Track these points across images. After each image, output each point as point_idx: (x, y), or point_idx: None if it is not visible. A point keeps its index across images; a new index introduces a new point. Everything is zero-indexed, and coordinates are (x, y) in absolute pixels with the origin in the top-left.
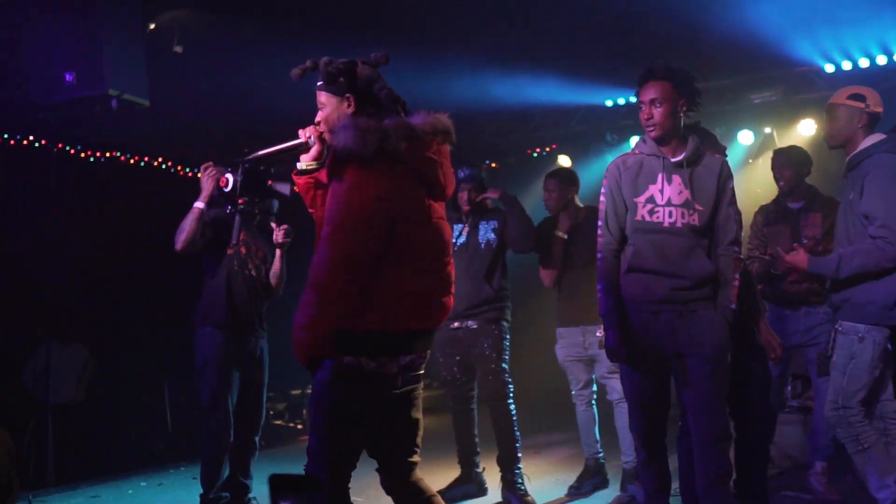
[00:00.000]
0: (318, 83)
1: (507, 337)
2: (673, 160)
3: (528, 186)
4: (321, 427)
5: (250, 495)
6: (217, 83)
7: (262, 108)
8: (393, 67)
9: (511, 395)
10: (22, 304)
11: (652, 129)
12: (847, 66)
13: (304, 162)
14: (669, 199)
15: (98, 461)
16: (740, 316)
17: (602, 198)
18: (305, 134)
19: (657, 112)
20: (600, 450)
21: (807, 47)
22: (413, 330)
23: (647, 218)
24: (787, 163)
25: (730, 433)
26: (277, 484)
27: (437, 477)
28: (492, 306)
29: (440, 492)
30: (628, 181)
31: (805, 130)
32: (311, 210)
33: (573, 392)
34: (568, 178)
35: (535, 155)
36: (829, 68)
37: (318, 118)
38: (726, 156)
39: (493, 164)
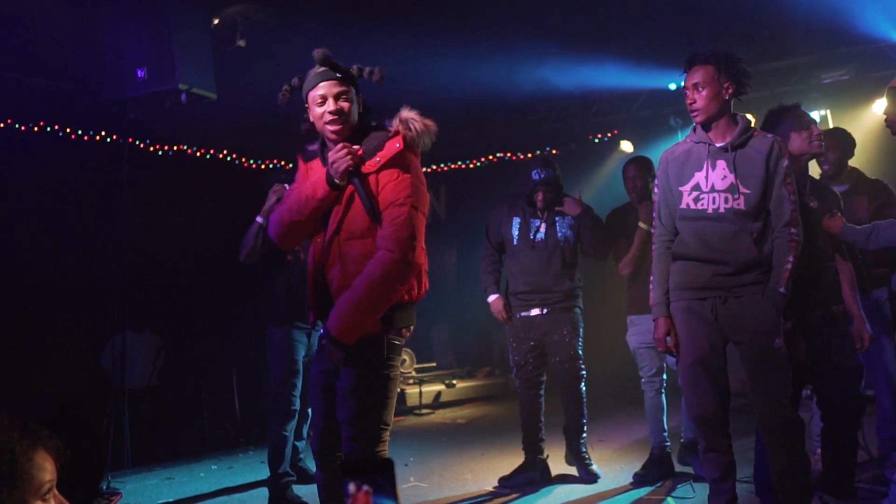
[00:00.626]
0: (339, 79)
1: (582, 325)
2: (718, 145)
3: (590, 172)
4: (380, 398)
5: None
6: (279, 76)
7: None
8: (455, 54)
9: (584, 379)
10: (98, 293)
11: (696, 113)
12: None
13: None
14: (713, 186)
15: (171, 444)
16: (822, 303)
17: (655, 189)
18: (354, 154)
19: (700, 96)
20: (668, 439)
21: (881, 21)
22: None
23: (693, 206)
24: (833, 145)
25: (795, 420)
26: (350, 469)
27: (501, 464)
28: (570, 297)
29: (503, 478)
30: (675, 171)
31: (879, 110)
32: (317, 203)
33: (643, 379)
34: (647, 165)
35: (597, 141)
36: None
37: (342, 108)
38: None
39: (554, 151)
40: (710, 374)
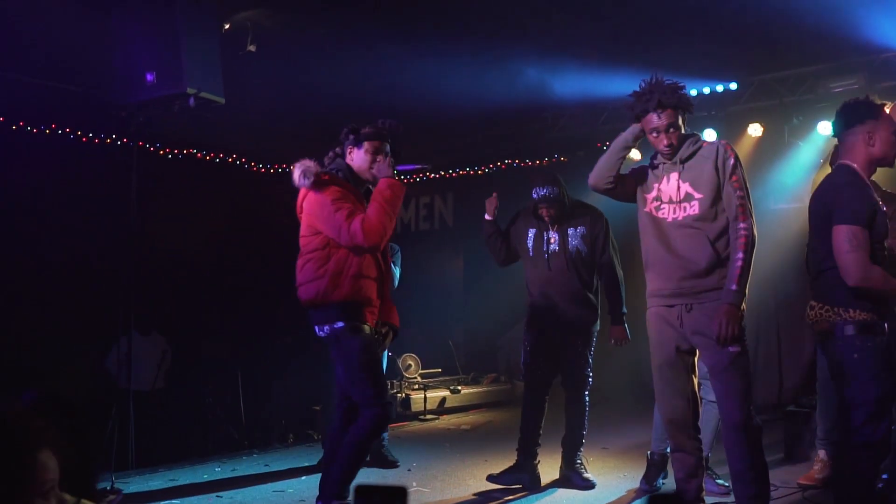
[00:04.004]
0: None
1: (596, 334)
2: (668, 162)
3: None
4: (366, 368)
5: None
6: (289, 82)
7: (332, 107)
8: (462, 62)
9: (588, 388)
10: (105, 295)
11: (669, 151)
12: None
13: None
14: (671, 197)
15: (176, 446)
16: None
17: None
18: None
19: (672, 137)
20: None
21: (890, 30)
22: None
23: (655, 213)
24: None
25: (753, 424)
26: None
27: (490, 469)
28: (587, 309)
29: (492, 475)
30: (643, 180)
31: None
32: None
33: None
34: None
35: (606, 149)
36: None
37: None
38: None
39: (563, 158)
40: (678, 378)
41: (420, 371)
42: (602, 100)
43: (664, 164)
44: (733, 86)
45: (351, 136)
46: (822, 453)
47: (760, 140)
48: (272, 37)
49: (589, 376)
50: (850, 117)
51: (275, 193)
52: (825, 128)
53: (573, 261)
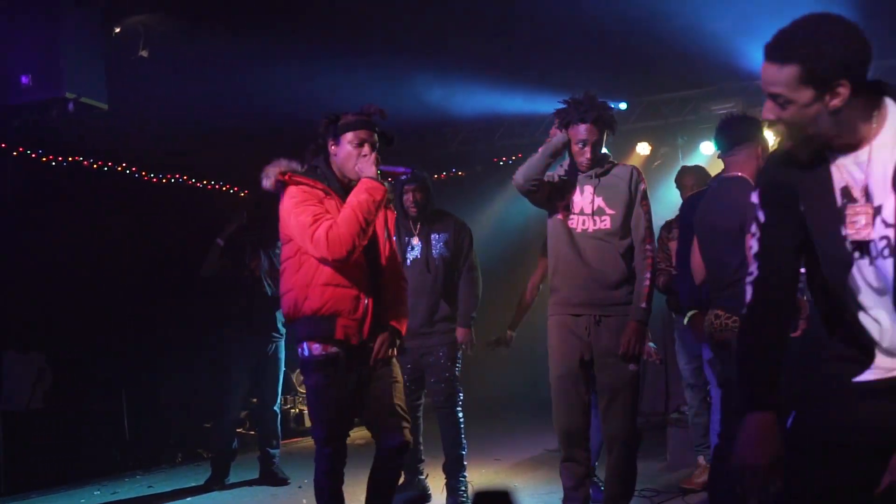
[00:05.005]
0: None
1: (461, 347)
2: (586, 173)
3: (494, 195)
4: (318, 407)
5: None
6: (182, 88)
7: (226, 114)
8: (360, 77)
9: (460, 402)
10: None
11: (588, 164)
12: None
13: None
14: (582, 209)
15: (54, 470)
16: None
17: None
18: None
19: (596, 152)
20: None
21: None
22: None
23: (567, 223)
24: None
25: (637, 435)
26: None
27: None
28: (448, 321)
29: None
30: (557, 188)
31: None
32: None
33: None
34: None
35: (502, 164)
36: None
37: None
38: None
39: (461, 173)
40: (577, 390)
41: None
42: (498, 116)
43: (580, 175)
44: (623, 106)
45: (330, 128)
46: (701, 459)
47: (648, 158)
48: (166, 42)
49: (458, 391)
50: (739, 134)
51: (165, 204)
52: (707, 147)
53: (436, 270)
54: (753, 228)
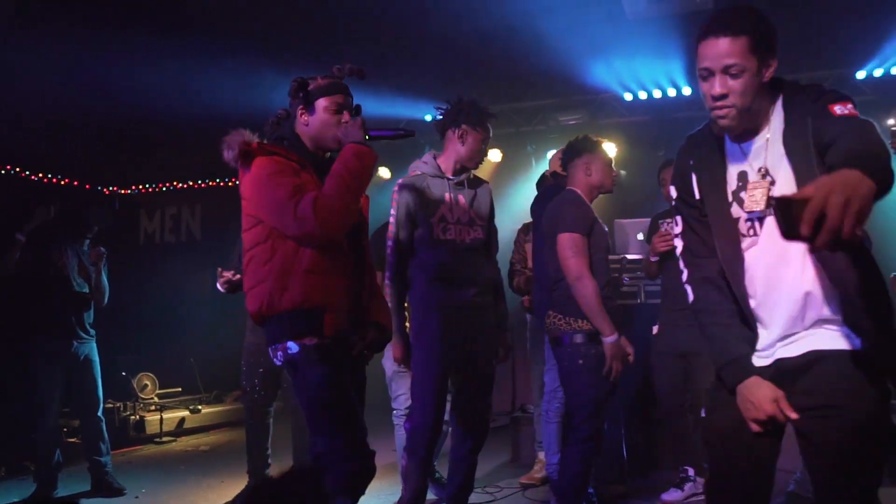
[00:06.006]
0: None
1: None
2: (455, 180)
3: None
4: (330, 409)
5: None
6: (18, 78)
7: (83, 108)
8: (214, 73)
9: None
10: None
11: (477, 165)
12: (643, 95)
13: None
14: (458, 218)
15: None
16: None
17: (391, 220)
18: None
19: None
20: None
21: (607, 76)
22: None
23: (442, 236)
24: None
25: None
26: None
27: (226, 490)
28: None
29: None
30: (418, 200)
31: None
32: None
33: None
34: None
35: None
36: (628, 97)
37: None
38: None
39: None
40: (446, 388)
41: (157, 391)
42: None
43: (448, 182)
44: None
45: (301, 95)
46: (541, 454)
47: (500, 165)
48: (14, 32)
49: None
50: (573, 152)
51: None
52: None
53: None
54: (676, 228)
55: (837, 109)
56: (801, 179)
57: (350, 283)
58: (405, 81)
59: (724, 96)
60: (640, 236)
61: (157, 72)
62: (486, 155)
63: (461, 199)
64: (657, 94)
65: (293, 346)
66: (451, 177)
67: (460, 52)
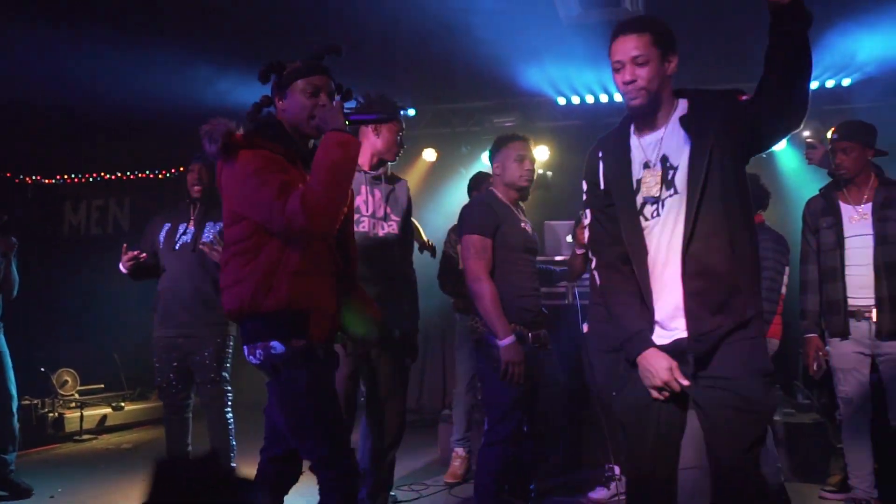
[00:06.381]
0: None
1: (231, 345)
2: (372, 173)
3: None
4: (317, 415)
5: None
6: None
7: None
8: (141, 64)
9: (230, 403)
10: None
11: (393, 157)
12: (576, 100)
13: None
14: (374, 212)
15: None
16: None
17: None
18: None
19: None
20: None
21: (541, 80)
22: None
23: (356, 228)
24: (483, 180)
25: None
26: None
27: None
28: (217, 314)
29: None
30: None
31: (539, 155)
32: None
33: None
34: None
35: None
36: (561, 101)
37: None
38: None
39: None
40: (356, 388)
41: (78, 387)
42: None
43: (366, 175)
44: (412, 111)
45: (274, 78)
46: (460, 451)
47: (434, 165)
48: None
49: (227, 392)
50: (490, 154)
51: None
52: (487, 158)
53: (208, 259)
54: (585, 220)
55: (744, 98)
56: (694, 158)
57: (337, 282)
58: (341, 79)
59: (633, 81)
60: (570, 238)
61: (83, 59)
62: (402, 146)
63: (377, 193)
64: (590, 99)
65: (278, 346)
66: (367, 170)
67: (398, 52)
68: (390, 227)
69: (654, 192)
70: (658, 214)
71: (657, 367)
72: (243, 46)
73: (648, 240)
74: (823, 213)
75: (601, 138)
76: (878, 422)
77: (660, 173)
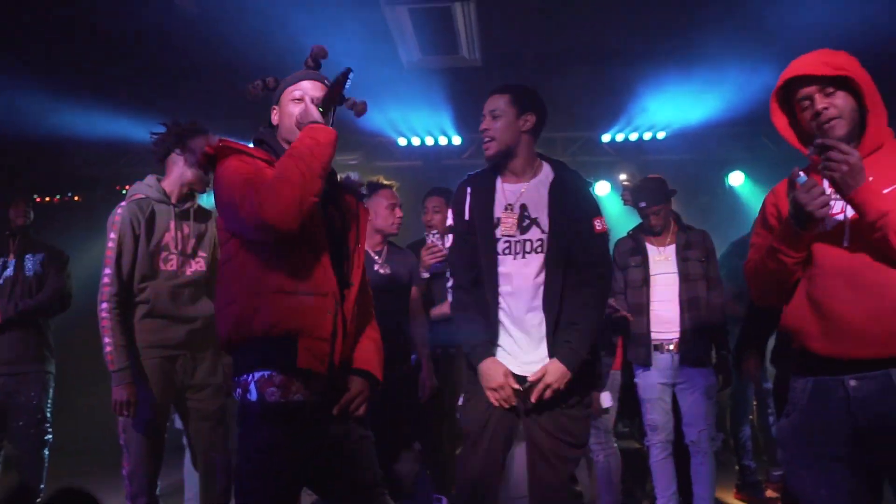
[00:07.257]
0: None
1: (52, 385)
2: (181, 208)
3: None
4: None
5: None
6: None
7: None
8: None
9: (48, 445)
10: None
11: (204, 189)
12: (416, 141)
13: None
14: (182, 249)
15: None
16: None
17: (112, 244)
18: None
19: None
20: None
21: (383, 122)
22: None
23: (163, 267)
24: None
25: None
26: None
27: None
28: (39, 352)
29: None
30: (146, 224)
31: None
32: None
33: None
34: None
35: (124, 192)
36: (402, 141)
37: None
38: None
39: (76, 198)
40: (162, 441)
41: None
42: (126, 142)
43: (174, 209)
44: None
45: (265, 92)
46: None
47: None
48: None
49: (48, 432)
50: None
51: None
52: None
53: (30, 291)
54: (447, 244)
55: (597, 225)
56: (554, 225)
57: (333, 302)
58: (181, 106)
59: (486, 130)
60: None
61: None
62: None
63: (185, 228)
64: (429, 140)
65: (253, 392)
66: (175, 203)
67: (238, 84)
68: (198, 265)
69: (511, 231)
70: (510, 251)
71: (494, 373)
72: (82, 74)
73: (501, 270)
74: (632, 253)
75: (471, 175)
76: (678, 443)
77: (517, 216)
